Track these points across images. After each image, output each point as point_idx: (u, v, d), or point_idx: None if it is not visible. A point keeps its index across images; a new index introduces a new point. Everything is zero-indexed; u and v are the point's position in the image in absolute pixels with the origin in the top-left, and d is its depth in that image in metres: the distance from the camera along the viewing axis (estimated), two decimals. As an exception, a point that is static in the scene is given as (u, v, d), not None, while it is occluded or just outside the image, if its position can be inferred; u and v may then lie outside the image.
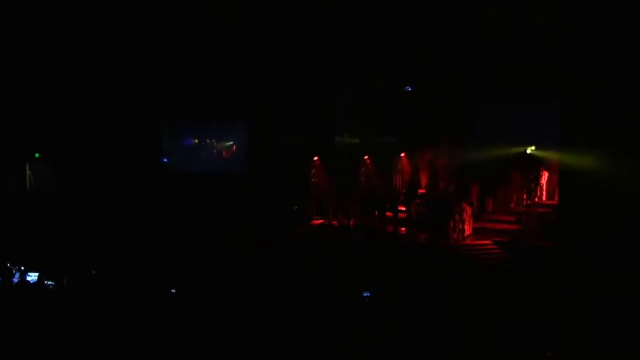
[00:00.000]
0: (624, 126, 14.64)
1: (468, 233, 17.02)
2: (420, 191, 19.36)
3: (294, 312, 10.01)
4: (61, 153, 19.69)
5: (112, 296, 10.03)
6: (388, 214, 18.10)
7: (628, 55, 14.43)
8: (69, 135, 19.43)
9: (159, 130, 20.10)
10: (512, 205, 19.03)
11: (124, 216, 17.95)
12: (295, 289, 11.60)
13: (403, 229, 17.47)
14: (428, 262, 15.09)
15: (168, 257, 14.17)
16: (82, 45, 18.28)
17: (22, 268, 10.98)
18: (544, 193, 18.87)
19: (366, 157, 20.12)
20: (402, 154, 20.36)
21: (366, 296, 11.01)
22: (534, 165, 18.25)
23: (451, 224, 16.50)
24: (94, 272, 11.69)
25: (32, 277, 10.79)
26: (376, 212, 18.14)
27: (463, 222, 16.79)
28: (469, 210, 17.18)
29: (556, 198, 17.81)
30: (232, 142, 20.46)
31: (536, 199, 18.30)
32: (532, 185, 18.13)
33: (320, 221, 18.96)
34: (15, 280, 10.75)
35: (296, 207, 18.91)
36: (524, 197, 18.13)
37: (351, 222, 18.19)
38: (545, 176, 18.78)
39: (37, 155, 20.05)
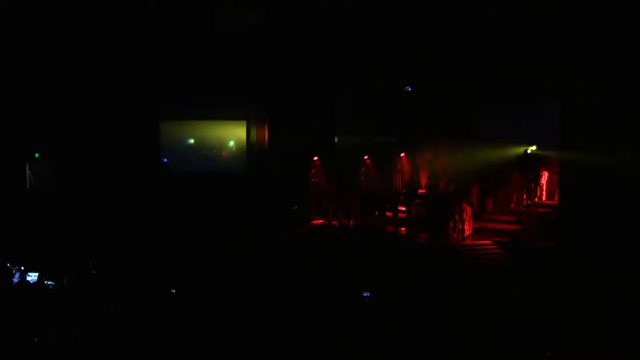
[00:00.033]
0: (624, 126, 14.63)
1: (468, 233, 17.02)
2: (420, 191, 19.34)
3: (294, 312, 10.01)
4: (61, 153, 19.67)
5: (112, 296, 10.04)
6: (388, 214, 18.09)
7: (628, 55, 14.42)
8: (68, 135, 19.41)
9: (158, 130, 20.09)
10: (512, 205, 19.04)
11: (124, 216, 17.94)
12: (295, 289, 11.61)
13: (403, 229, 17.47)
14: (428, 262, 15.09)
15: (168, 257, 14.17)
16: (81, 45, 18.27)
17: (22, 268, 10.98)
18: (544, 193, 18.87)
19: (366, 157, 20.10)
20: (402, 154, 20.34)
21: (366, 296, 11.01)
22: (534, 165, 18.25)
23: (451, 224, 16.50)
24: (94, 272, 11.69)
25: (32, 277, 10.79)
26: (376, 212, 18.14)
27: (463, 222, 16.79)
28: (469, 210, 17.18)
29: (556, 198, 17.81)
30: (232, 142, 20.45)
31: (536, 199, 18.29)
32: (532, 185, 18.12)
33: (320, 221, 18.95)
34: (15, 280, 10.76)
35: (296, 207, 18.91)
36: (524, 197, 18.13)
37: (351, 222, 18.18)
38: (545, 176, 18.77)
39: (37, 155, 20.04)
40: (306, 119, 18.79)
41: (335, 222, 18.53)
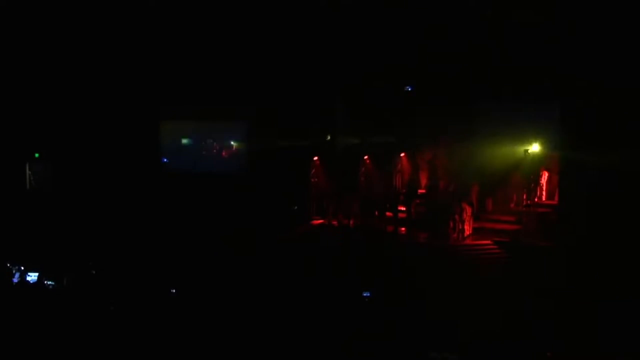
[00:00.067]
0: (624, 126, 14.64)
1: (468, 233, 17.02)
2: (420, 191, 19.36)
3: (294, 312, 10.01)
4: (61, 153, 19.68)
5: (112, 296, 10.04)
6: (388, 214, 18.10)
7: (628, 56, 14.43)
8: (68, 135, 19.41)
9: (158, 130, 20.08)
10: (512, 205, 19.05)
11: (124, 216, 17.93)
12: (296, 289, 11.61)
13: (403, 229, 17.48)
14: (428, 262, 15.08)
15: (168, 257, 14.16)
16: (81, 45, 18.26)
17: (22, 268, 10.98)
18: (544, 193, 18.88)
19: (366, 157, 20.11)
20: (402, 154, 20.35)
21: (366, 296, 11.01)
22: (534, 165, 18.24)
23: (451, 224, 16.51)
24: (94, 272, 11.70)
25: (32, 277, 10.79)
26: (376, 212, 18.14)
27: (463, 222, 16.80)
28: (469, 210, 17.19)
29: (556, 198, 17.81)
30: (232, 142, 20.45)
31: (536, 199, 18.30)
32: (532, 185, 18.12)
33: (320, 221, 18.96)
34: (15, 280, 10.76)
35: (296, 207, 18.91)
36: (524, 197, 18.12)
37: (351, 222, 18.19)
38: (545, 176, 18.78)
39: (37, 155, 20.04)
40: (306, 119, 18.78)
41: (335, 222, 18.54)
